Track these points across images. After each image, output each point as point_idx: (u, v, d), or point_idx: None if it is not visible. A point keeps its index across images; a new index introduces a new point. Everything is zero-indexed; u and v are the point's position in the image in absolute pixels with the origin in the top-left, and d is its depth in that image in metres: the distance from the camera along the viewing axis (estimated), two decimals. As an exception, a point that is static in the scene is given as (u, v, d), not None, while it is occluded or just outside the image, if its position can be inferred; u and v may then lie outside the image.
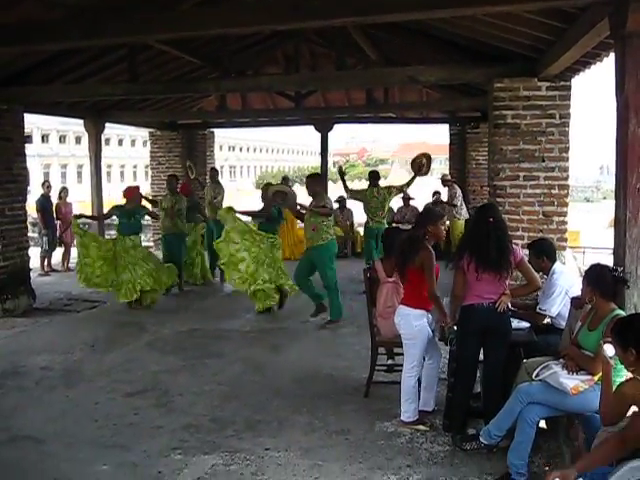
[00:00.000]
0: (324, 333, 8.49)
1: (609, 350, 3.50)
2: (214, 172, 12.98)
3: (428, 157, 11.04)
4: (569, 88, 7.26)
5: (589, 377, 4.22)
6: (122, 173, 63.67)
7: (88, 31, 5.39)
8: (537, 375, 4.40)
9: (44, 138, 56.12)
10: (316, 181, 9.08)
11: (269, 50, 11.76)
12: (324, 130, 14.66)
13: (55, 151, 56.93)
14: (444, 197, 14.01)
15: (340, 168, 12.53)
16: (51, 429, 5.49)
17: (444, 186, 13.79)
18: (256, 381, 6.62)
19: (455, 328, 5.08)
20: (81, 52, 9.10)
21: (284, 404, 5.95)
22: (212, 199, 12.15)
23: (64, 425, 5.59)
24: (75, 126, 45.07)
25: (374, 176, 11.25)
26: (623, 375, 3.81)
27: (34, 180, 48.36)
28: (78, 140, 55.92)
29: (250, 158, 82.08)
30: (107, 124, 12.91)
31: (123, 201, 10.26)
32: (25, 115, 9.99)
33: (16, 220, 9.75)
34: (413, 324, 5.30)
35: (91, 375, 6.89)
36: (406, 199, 13.78)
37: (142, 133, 57.39)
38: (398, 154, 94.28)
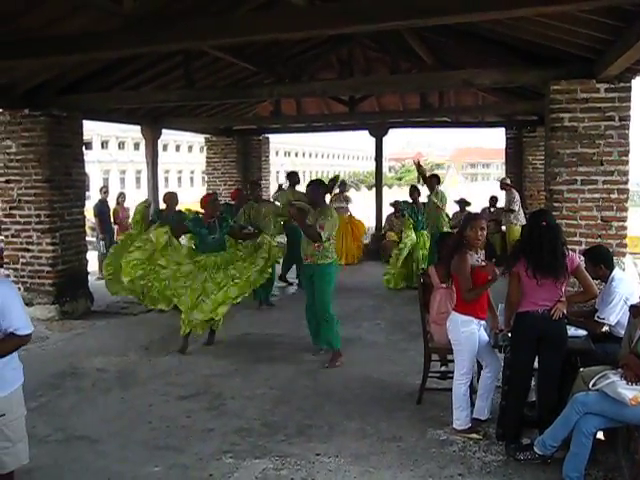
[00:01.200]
0: (377, 338, 8.43)
1: None
2: (292, 176, 11.92)
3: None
4: (629, 89, 7.06)
5: (649, 387, 4.09)
6: (179, 178, 64.66)
7: (144, 39, 5.47)
8: (594, 385, 4.28)
9: (104, 144, 57.41)
10: (314, 189, 7.46)
11: (323, 55, 11.76)
12: (379, 135, 14.62)
13: (114, 157, 58.14)
14: (502, 202, 13.80)
15: (418, 162, 11.95)
16: (105, 430, 5.59)
17: (502, 190, 13.59)
18: (308, 386, 6.61)
19: (509, 335, 4.99)
20: (137, 60, 9.28)
21: (335, 409, 5.93)
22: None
23: (118, 426, 5.68)
24: (133, 132, 45.90)
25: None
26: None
27: (94, 185, 49.58)
28: (136, 146, 56.96)
29: (305, 163, 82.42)
30: (164, 130, 13.11)
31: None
32: (84, 122, 10.22)
33: (75, 224, 9.96)
34: (460, 329, 5.21)
35: (145, 378, 6.99)
36: (462, 204, 13.60)
37: (199, 139, 58.34)
38: (454, 158, 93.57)
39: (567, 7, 4.85)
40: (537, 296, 4.77)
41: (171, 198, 9.95)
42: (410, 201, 11.70)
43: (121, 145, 59.87)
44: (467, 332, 5.20)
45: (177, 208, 9.90)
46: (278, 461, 4.92)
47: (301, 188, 10.71)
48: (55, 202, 9.58)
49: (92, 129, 52.86)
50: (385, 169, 74.42)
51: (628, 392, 4.08)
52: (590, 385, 4.30)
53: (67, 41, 5.93)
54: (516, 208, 13.09)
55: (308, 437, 5.35)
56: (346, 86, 9.00)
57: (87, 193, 11.07)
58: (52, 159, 9.47)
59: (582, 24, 6.04)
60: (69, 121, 9.75)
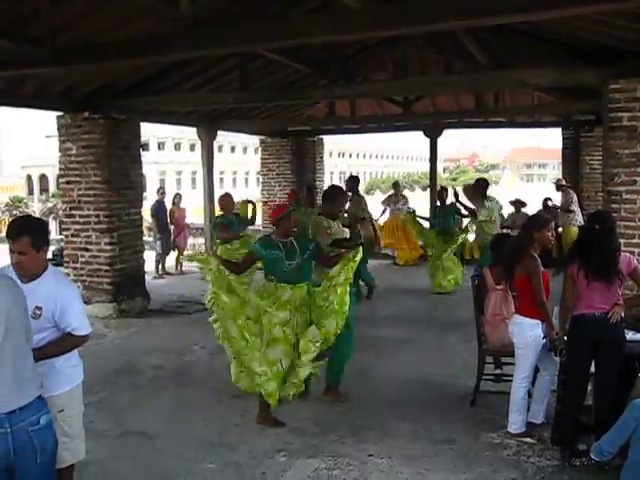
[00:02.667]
0: (430, 340, 8.38)
1: None
2: (353, 181, 11.19)
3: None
4: (689, 87, 6.88)
5: None
6: (234, 179, 65.34)
7: (200, 43, 5.54)
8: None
9: (160, 146, 58.41)
10: (332, 194, 6.84)
11: (377, 56, 11.71)
12: (433, 135, 14.49)
13: (170, 158, 59.11)
14: (558, 202, 13.54)
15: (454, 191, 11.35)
16: (161, 426, 5.71)
17: (558, 191, 13.35)
18: (361, 386, 6.60)
19: (565, 338, 4.91)
20: (193, 63, 9.39)
21: (388, 411, 5.93)
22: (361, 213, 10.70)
23: (174, 423, 5.79)
24: (189, 134, 46.58)
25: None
26: None
27: (150, 186, 50.36)
28: (192, 147, 57.85)
29: (360, 164, 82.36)
30: (219, 132, 13.26)
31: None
32: (142, 124, 10.43)
33: (132, 225, 10.17)
34: (527, 333, 5.15)
35: (201, 376, 7.10)
36: (517, 204, 13.38)
37: (254, 140, 58.68)
38: (509, 159, 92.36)
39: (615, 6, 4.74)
40: (593, 299, 4.69)
41: (227, 201, 9.22)
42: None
43: (177, 146, 60.87)
44: (534, 335, 5.14)
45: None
46: (331, 461, 4.94)
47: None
48: (113, 203, 9.80)
49: (149, 131, 53.94)
50: (439, 170, 74.13)
51: (688, 399, 3.98)
52: (650, 391, 4.22)
53: (126, 46, 6.07)
54: (574, 209, 12.84)
55: (361, 438, 5.36)
56: (400, 87, 8.99)
57: (144, 194, 11.21)
58: (111, 161, 9.69)
59: (638, 19, 5.91)
60: (127, 123, 9.96)
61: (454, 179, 67.47)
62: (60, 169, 10.10)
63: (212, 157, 13.10)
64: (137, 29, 6.19)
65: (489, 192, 10.22)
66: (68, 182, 9.95)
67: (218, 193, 10.51)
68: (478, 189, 10.11)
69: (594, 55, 7.46)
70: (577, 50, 7.72)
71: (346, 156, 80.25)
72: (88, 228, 9.88)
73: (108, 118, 9.61)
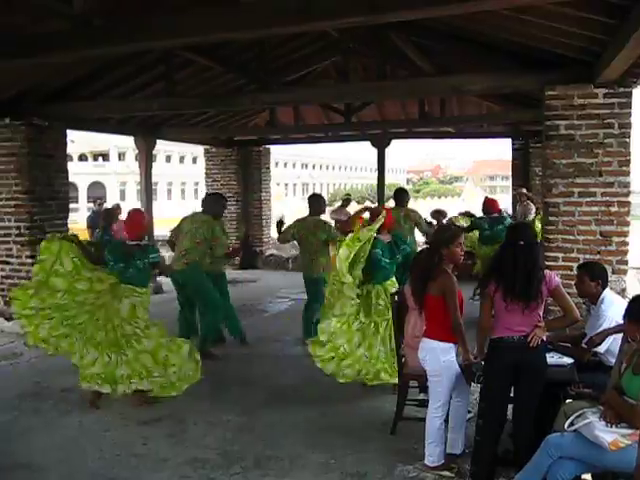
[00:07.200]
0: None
1: None
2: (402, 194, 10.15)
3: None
4: (630, 95, 6.57)
5: (632, 431, 3.55)
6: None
7: (90, 40, 5.14)
8: (571, 424, 3.77)
9: (120, 156, 57.58)
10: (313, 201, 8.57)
11: (312, 61, 11.28)
12: (381, 146, 14.13)
13: (131, 168, 58.34)
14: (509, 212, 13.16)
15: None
16: (54, 457, 5.23)
17: (517, 201, 12.99)
18: (277, 412, 6.12)
19: (482, 363, 4.49)
20: (121, 68, 9.03)
21: (301, 439, 5.46)
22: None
23: (68, 454, 5.30)
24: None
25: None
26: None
27: (111, 197, 49.48)
28: (154, 157, 57.00)
29: (323, 176, 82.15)
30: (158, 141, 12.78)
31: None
32: (98, 134, 9.97)
33: (57, 237, 9.62)
34: (440, 359, 4.71)
35: (110, 399, 6.54)
36: (438, 215, 12.33)
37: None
38: (473, 171, 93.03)
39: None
40: (511, 321, 4.29)
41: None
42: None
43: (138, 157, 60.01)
44: (447, 361, 4.72)
45: None
46: (227, 498, 4.47)
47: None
48: (35, 214, 9.30)
49: (109, 141, 53.24)
50: (403, 181, 74.40)
51: (607, 435, 3.57)
52: (566, 425, 3.79)
53: (14, 44, 5.59)
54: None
55: (265, 470, 4.90)
56: (331, 93, 8.56)
57: (75, 205, 10.69)
58: (33, 170, 9.21)
59: (576, 23, 5.61)
60: (51, 131, 9.48)
61: (417, 191, 67.54)
62: (-20, 178, 9.53)
63: (150, 167, 12.61)
64: (26, 25, 5.72)
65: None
66: (-13, 192, 9.40)
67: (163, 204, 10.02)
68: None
69: (533, 61, 7.16)
70: (516, 56, 7.40)
71: (309, 167, 79.97)
72: (9, 240, 9.40)
73: (30, 125, 9.12)
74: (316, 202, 8.55)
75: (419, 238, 11.03)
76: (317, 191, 76.81)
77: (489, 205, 10.13)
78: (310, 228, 8.24)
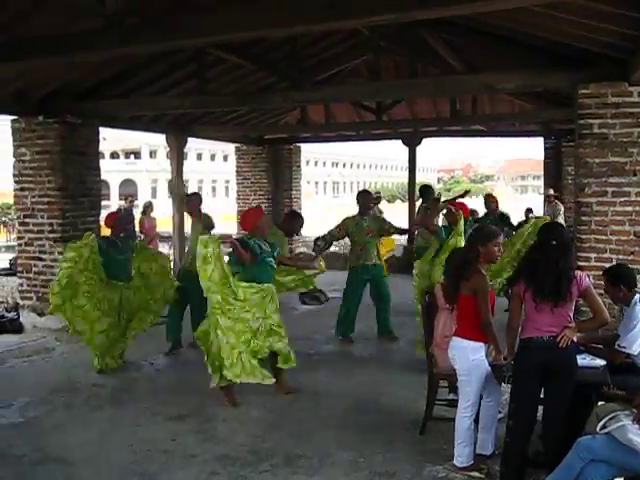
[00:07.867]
0: (393, 358, 7.94)
1: None
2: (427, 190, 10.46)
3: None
4: (665, 92, 6.48)
5: (666, 435, 3.50)
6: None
7: (124, 40, 5.20)
8: (604, 427, 3.72)
9: (152, 154, 58.00)
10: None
11: (347, 61, 11.34)
12: (412, 144, 14.10)
13: (162, 166, 58.77)
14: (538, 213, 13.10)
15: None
16: (85, 452, 5.26)
17: (545, 202, 12.89)
18: (307, 409, 6.14)
19: (512, 364, 4.46)
20: (153, 66, 9.14)
21: (330, 437, 5.46)
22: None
23: (99, 449, 5.34)
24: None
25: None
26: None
27: (143, 194, 49.79)
28: (185, 156, 57.32)
29: (353, 174, 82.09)
30: (197, 139, 12.90)
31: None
32: (128, 131, 10.08)
33: (88, 234, 9.73)
34: (469, 358, 4.69)
35: (141, 395, 6.66)
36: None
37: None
38: (504, 170, 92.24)
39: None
40: (541, 321, 4.25)
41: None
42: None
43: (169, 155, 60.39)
44: (477, 360, 4.70)
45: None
46: (255, 495, 4.49)
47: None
48: (68, 211, 9.40)
49: (140, 139, 53.66)
50: (434, 180, 74.04)
51: (640, 439, 3.52)
52: (598, 427, 3.75)
53: (50, 43, 5.67)
54: (560, 222, 12.38)
55: (294, 468, 4.91)
56: (362, 91, 8.52)
57: (107, 202, 10.80)
58: (66, 167, 9.31)
59: (611, 20, 5.52)
60: (84, 128, 9.57)
61: (448, 189, 67.11)
62: (14, 175, 9.67)
63: (182, 165, 12.70)
64: (60, 25, 5.80)
65: None
66: (22, 189, 9.56)
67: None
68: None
69: (566, 59, 7.09)
70: (550, 54, 7.33)
71: (339, 166, 79.95)
72: (42, 237, 9.50)
73: (63, 122, 9.21)
74: (363, 198, 8.69)
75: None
76: (347, 190, 76.98)
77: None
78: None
